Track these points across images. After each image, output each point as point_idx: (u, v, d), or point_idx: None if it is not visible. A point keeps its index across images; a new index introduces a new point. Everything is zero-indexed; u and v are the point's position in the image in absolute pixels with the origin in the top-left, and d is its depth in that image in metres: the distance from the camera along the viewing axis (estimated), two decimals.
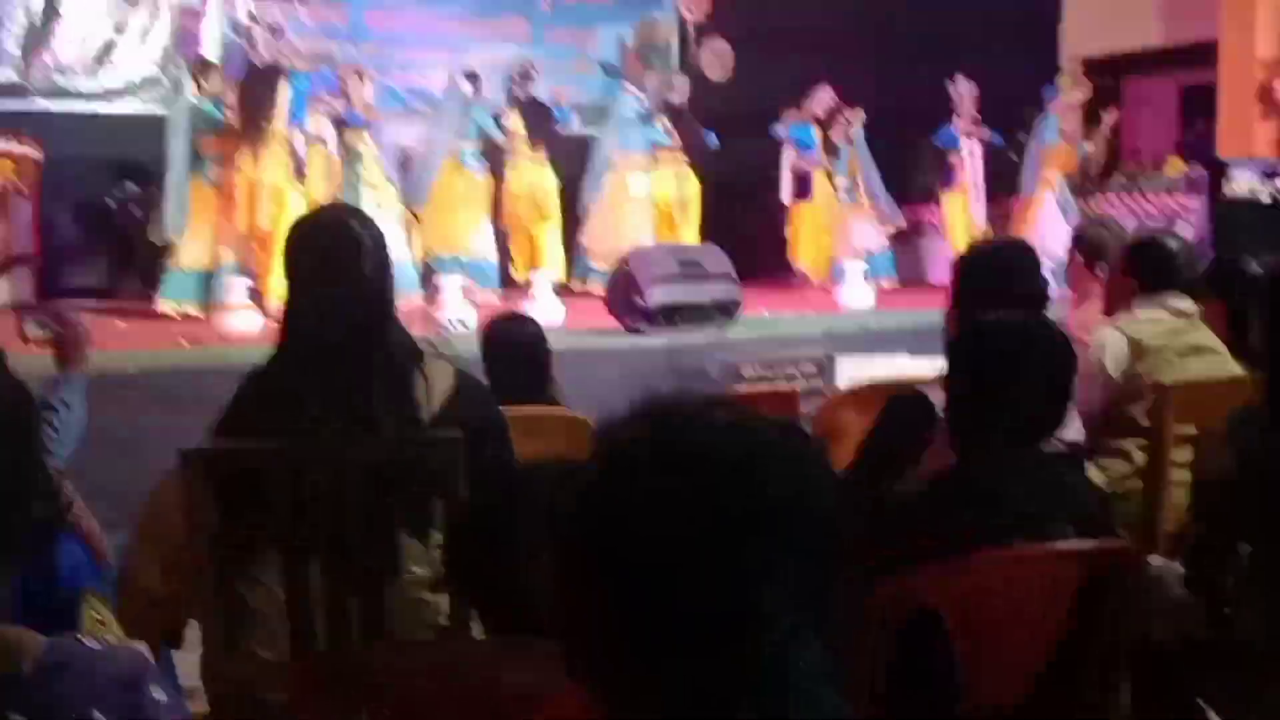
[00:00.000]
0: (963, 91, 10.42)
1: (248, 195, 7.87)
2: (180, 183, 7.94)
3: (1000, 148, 10.62)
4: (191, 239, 7.91)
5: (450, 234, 9.24)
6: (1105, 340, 3.34)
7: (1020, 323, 2.32)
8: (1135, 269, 3.56)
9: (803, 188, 10.73)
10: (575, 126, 10.09)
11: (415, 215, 9.10)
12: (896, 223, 10.82)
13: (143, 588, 2.28)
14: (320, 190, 8.06)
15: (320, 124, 8.53)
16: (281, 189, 7.83)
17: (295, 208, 7.04)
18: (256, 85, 8.16)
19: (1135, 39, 11.47)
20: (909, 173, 11.61)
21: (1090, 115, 10.34)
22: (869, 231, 10.62)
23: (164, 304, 7.83)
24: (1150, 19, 11.33)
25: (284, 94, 8.02)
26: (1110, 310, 3.65)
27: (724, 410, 1.03)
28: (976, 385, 2.22)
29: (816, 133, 10.74)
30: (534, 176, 9.73)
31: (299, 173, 8.16)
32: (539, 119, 9.81)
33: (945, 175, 10.64)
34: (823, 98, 10.75)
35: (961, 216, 10.47)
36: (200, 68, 8.16)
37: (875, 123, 11.08)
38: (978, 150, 10.53)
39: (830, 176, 10.74)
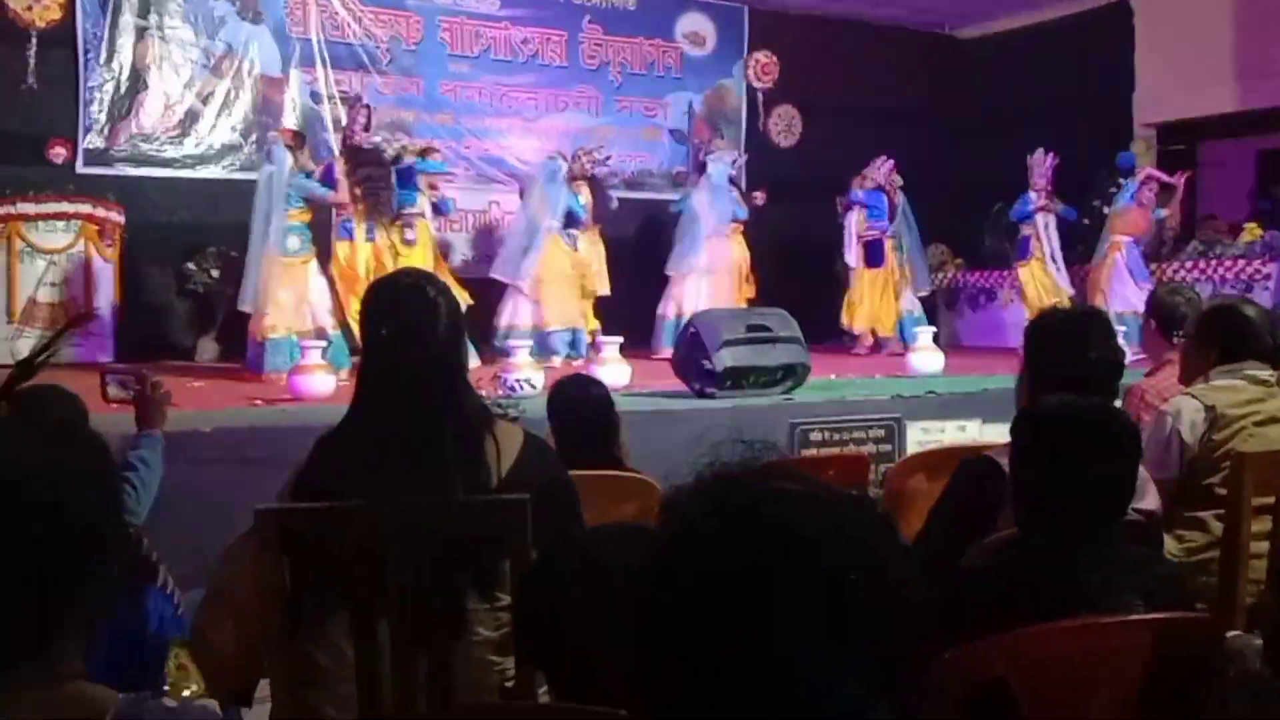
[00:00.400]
0: (1036, 164, 10.42)
1: (366, 268, 8.40)
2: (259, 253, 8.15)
3: (1072, 220, 10.56)
4: (278, 308, 8.01)
5: (565, 309, 9.59)
6: (1181, 408, 3.29)
7: (1082, 408, 2.29)
8: (1212, 336, 3.52)
9: (872, 254, 10.73)
10: (614, 205, 10.19)
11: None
12: (921, 290, 10.90)
13: (214, 646, 2.31)
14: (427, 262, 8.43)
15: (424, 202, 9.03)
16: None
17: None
18: (369, 163, 8.76)
19: (1210, 105, 11.39)
20: (981, 243, 11.58)
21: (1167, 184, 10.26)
22: (910, 296, 10.78)
23: (269, 375, 7.80)
24: (1225, 84, 11.25)
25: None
26: (1187, 378, 3.60)
27: (791, 481, 1.03)
28: (1037, 471, 2.20)
29: (886, 200, 10.76)
30: (598, 248, 9.96)
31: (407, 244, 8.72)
32: (601, 195, 9.98)
33: (1021, 247, 10.63)
34: (884, 167, 10.79)
35: (1035, 286, 10.46)
36: (294, 140, 8.40)
37: (946, 192, 11.09)
38: (1052, 222, 10.53)
39: (893, 243, 10.78)
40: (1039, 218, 10.48)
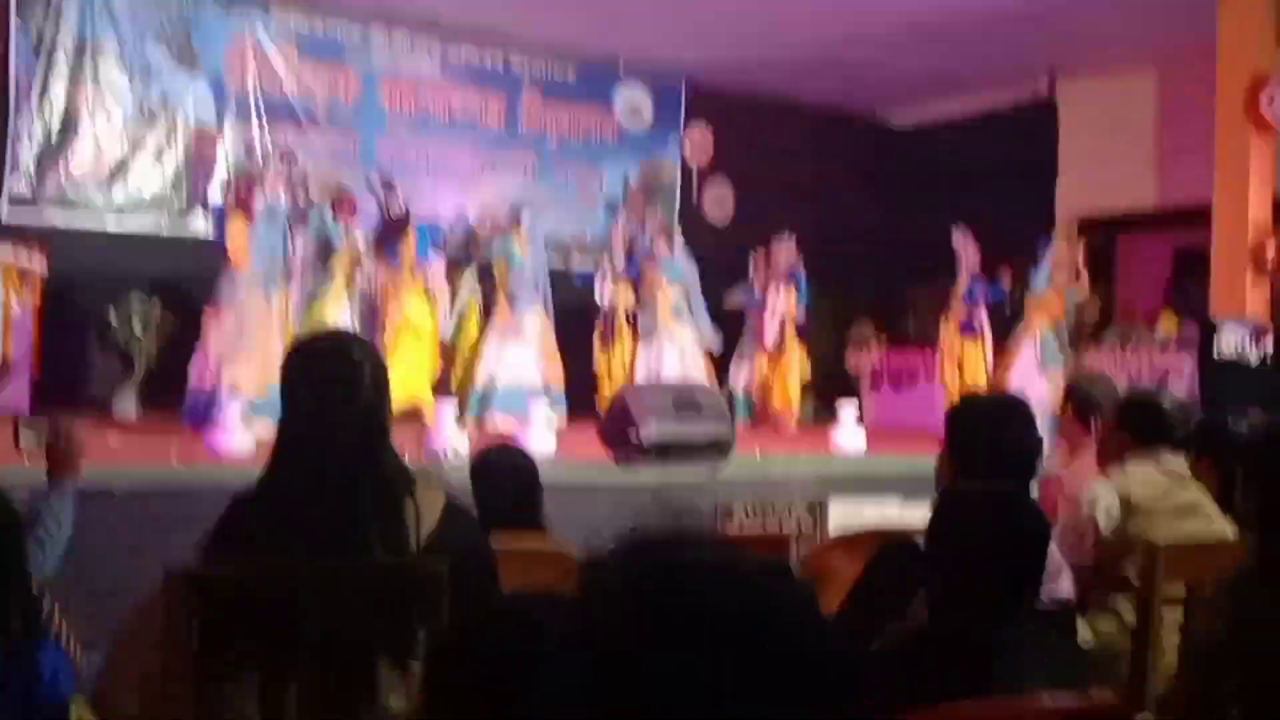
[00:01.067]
0: (965, 243, 10.66)
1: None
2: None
3: (999, 302, 10.81)
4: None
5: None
6: (1097, 495, 3.35)
7: (995, 494, 2.33)
8: (1127, 425, 3.59)
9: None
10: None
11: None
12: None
13: (117, 707, 2.24)
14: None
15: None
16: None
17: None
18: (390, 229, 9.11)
19: (1130, 200, 11.74)
20: (905, 319, 11.75)
21: (1090, 271, 10.51)
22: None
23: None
24: (1145, 181, 11.61)
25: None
26: (1103, 465, 3.66)
27: (711, 549, 1.03)
28: (950, 555, 2.23)
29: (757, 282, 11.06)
30: None
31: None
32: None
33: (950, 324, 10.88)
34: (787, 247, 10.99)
35: (951, 365, 10.70)
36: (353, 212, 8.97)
37: (874, 270, 11.28)
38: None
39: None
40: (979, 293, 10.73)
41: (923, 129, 13.76)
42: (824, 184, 12.74)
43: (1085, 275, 10.33)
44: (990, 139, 12.69)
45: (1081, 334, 10.93)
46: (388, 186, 9.49)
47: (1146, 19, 10.29)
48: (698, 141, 12.75)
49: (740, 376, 10.97)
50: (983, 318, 10.66)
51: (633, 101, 12.54)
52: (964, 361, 10.61)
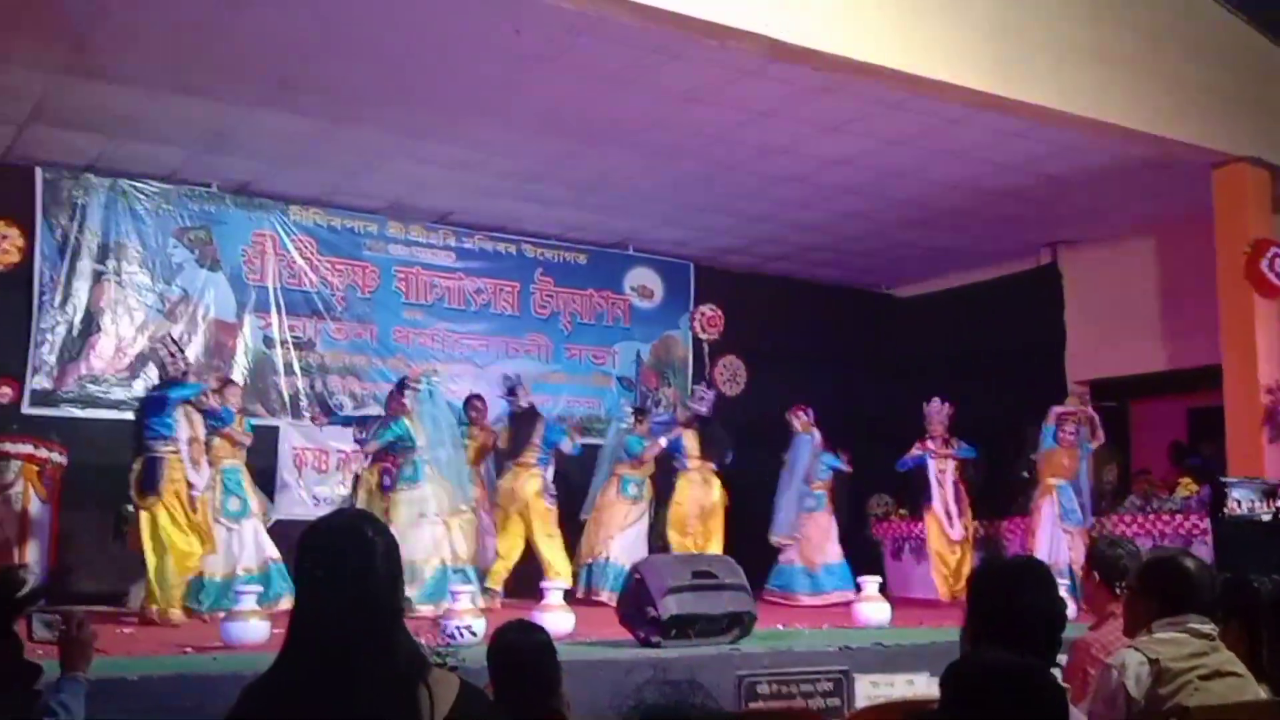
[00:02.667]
0: (933, 413, 10.78)
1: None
2: None
3: (970, 458, 10.89)
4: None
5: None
6: (1126, 662, 3.28)
7: (1007, 666, 2.27)
8: (1153, 589, 3.53)
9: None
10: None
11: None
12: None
13: None
14: None
15: None
16: None
17: None
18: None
19: (1139, 364, 11.81)
20: (908, 491, 11.74)
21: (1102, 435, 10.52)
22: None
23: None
24: (1153, 344, 11.69)
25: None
26: (1131, 631, 3.60)
27: None
28: None
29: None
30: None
31: None
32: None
33: (924, 493, 11.01)
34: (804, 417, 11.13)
35: (934, 534, 10.83)
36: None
37: (888, 441, 11.29)
38: (949, 468, 10.93)
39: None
40: (932, 464, 10.83)
41: (928, 298, 13.96)
42: (833, 356, 12.88)
43: (1099, 426, 10.35)
44: (996, 307, 12.87)
45: (1102, 492, 10.89)
46: (514, 386, 10.35)
47: (1143, 191, 10.55)
48: (707, 318, 12.97)
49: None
50: (950, 484, 10.86)
51: (643, 282, 12.80)
52: (936, 530, 10.75)
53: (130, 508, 8.36)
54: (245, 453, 9.09)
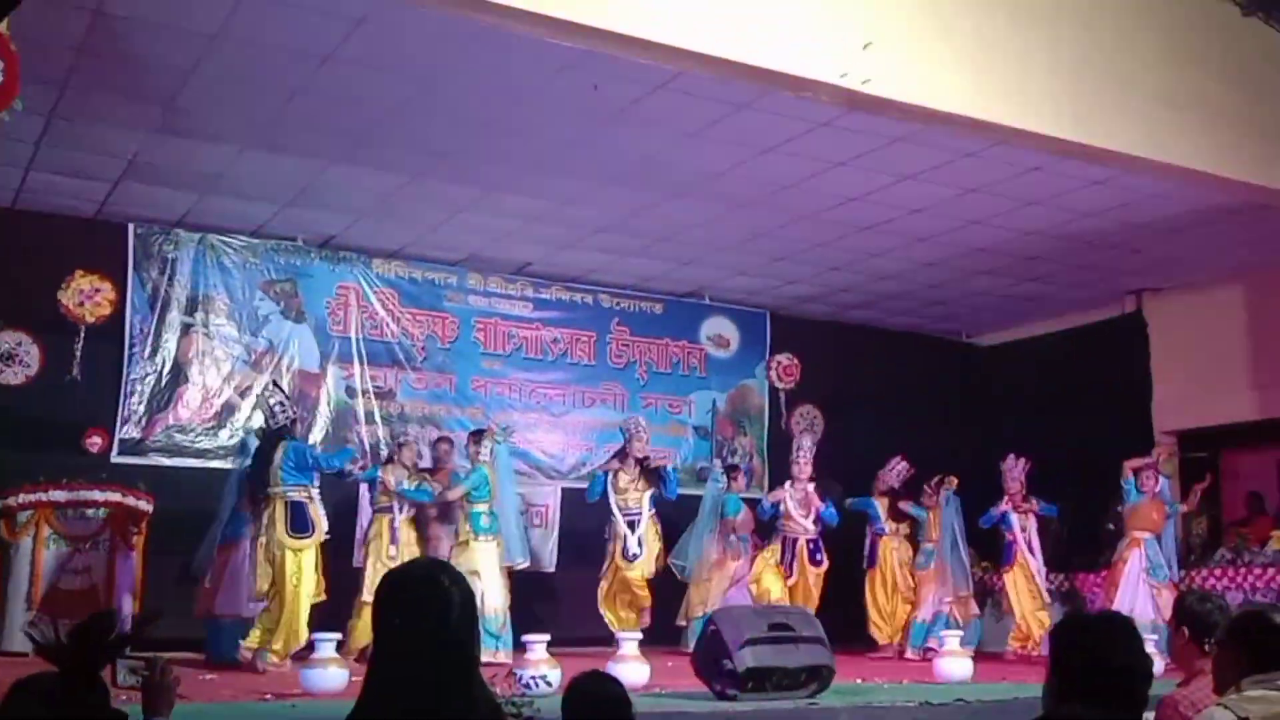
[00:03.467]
0: (1008, 469, 10.60)
1: None
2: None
3: (1053, 516, 10.68)
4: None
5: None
6: (1213, 719, 3.18)
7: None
8: (1242, 645, 3.44)
9: (870, 556, 11.25)
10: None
11: None
12: (959, 591, 10.75)
13: None
14: None
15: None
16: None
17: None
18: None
19: (1229, 413, 11.53)
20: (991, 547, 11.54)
21: (1190, 488, 10.31)
22: (932, 598, 10.86)
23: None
24: (1243, 393, 11.43)
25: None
26: (1220, 688, 3.50)
27: None
28: None
29: (880, 503, 11.20)
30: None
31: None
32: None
33: (1005, 553, 10.82)
34: (898, 469, 11.07)
35: (1016, 592, 10.63)
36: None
37: (968, 494, 11.13)
38: (1032, 526, 10.73)
39: (905, 543, 11.24)
40: (1016, 521, 10.64)
41: (1008, 346, 13.78)
42: (912, 404, 12.73)
43: (1177, 483, 10.13)
44: (1080, 355, 12.67)
45: (1190, 548, 10.64)
46: (635, 431, 10.56)
47: (1230, 237, 10.36)
48: (784, 367, 12.92)
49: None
50: (1035, 540, 10.62)
51: (719, 331, 12.81)
52: (1022, 586, 10.51)
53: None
54: None
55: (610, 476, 10.47)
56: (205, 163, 8.98)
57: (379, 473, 9.35)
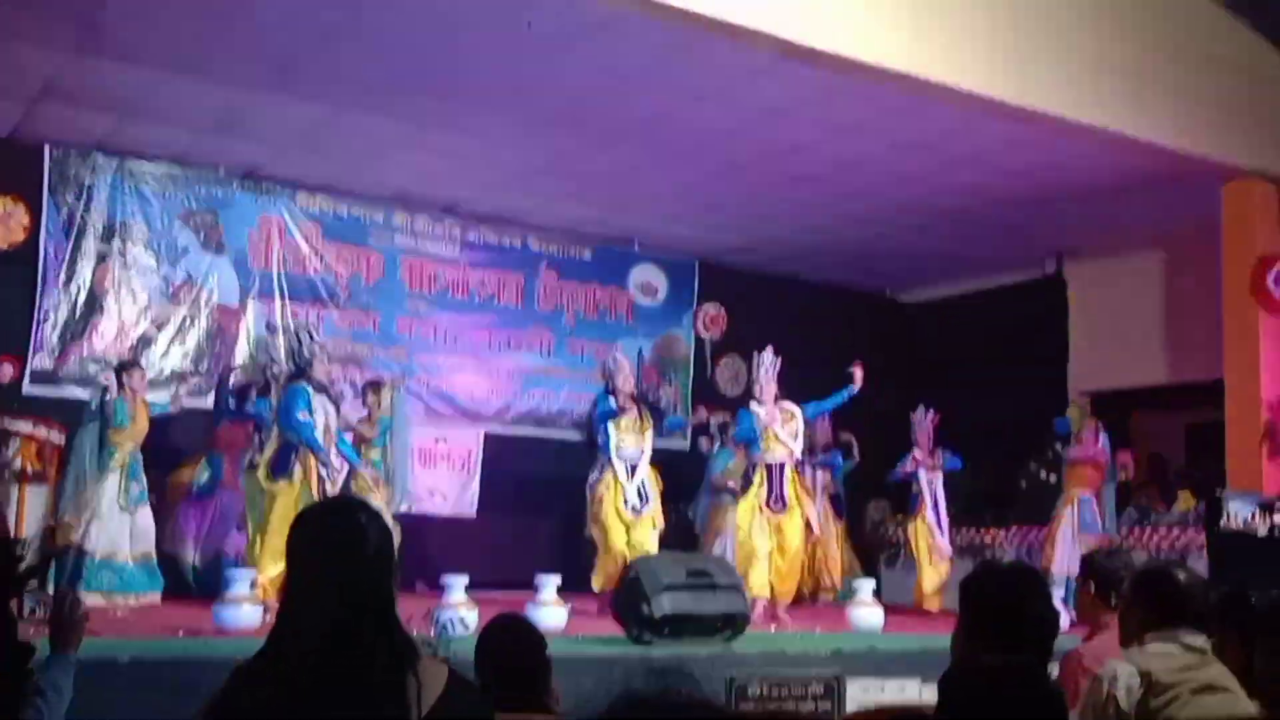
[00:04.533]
0: (917, 422, 10.73)
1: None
2: None
3: (958, 469, 10.81)
4: None
5: None
6: (1117, 673, 3.26)
7: (1006, 668, 2.26)
8: (1144, 601, 3.53)
9: None
10: None
11: None
12: None
13: None
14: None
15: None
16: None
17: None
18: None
19: (1141, 377, 11.80)
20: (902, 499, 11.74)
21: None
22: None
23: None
24: (1155, 358, 11.69)
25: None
26: (1124, 643, 3.59)
27: (701, 711, 1.01)
28: None
29: None
30: None
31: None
32: None
33: (910, 504, 10.96)
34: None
35: (921, 543, 10.74)
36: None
37: (889, 448, 11.28)
38: (938, 479, 10.85)
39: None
40: (923, 475, 10.77)
41: (932, 304, 13.95)
42: (835, 360, 12.82)
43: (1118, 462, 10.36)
44: (1001, 315, 12.86)
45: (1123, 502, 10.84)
46: (618, 367, 9.47)
47: (1152, 203, 10.53)
48: (710, 317, 12.95)
49: None
50: (940, 494, 10.80)
51: (647, 279, 12.79)
52: (924, 537, 10.69)
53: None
54: None
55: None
56: (125, 85, 8.72)
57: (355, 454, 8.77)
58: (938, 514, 10.73)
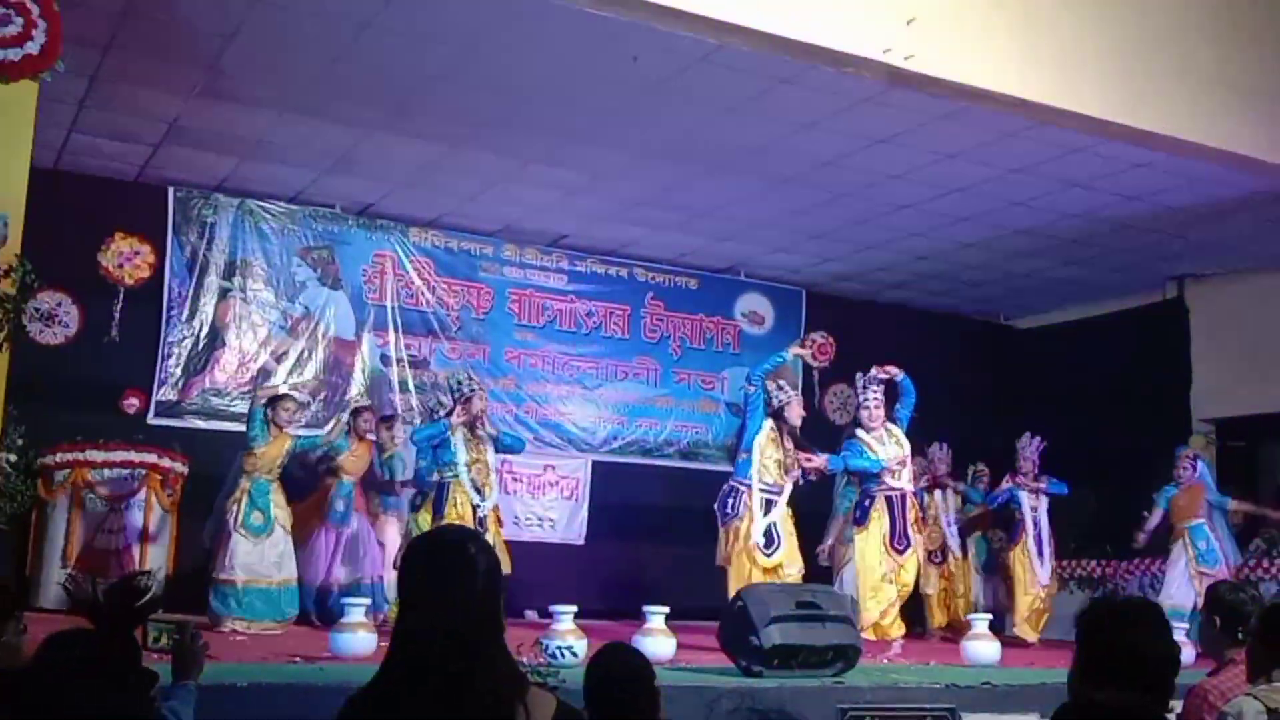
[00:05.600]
0: (1022, 448, 10.45)
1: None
2: None
3: (1063, 494, 10.47)
4: None
5: None
6: (1243, 710, 3.16)
7: (1115, 710, 2.19)
8: (1271, 636, 3.41)
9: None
10: None
11: None
12: None
13: None
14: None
15: None
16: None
17: None
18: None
19: (1268, 403, 11.39)
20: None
21: (1229, 476, 10.18)
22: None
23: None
24: None
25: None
26: (1251, 678, 3.47)
27: None
28: None
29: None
30: None
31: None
32: None
33: (1013, 532, 10.61)
34: (941, 455, 10.95)
35: (1021, 571, 10.36)
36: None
37: (1004, 471, 11.05)
38: (1042, 506, 10.45)
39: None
40: (1025, 500, 10.40)
41: (1048, 330, 13.66)
42: (948, 387, 12.64)
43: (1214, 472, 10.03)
44: (1119, 341, 12.54)
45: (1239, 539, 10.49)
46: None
47: (1275, 226, 10.19)
48: (819, 346, 12.84)
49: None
50: (1043, 521, 10.40)
51: (754, 308, 12.76)
52: (1024, 565, 10.33)
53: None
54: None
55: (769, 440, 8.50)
56: (245, 128, 9.02)
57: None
58: (1039, 542, 10.37)
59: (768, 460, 8.44)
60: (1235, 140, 8.26)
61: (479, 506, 8.38)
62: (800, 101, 8.14)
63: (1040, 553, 10.31)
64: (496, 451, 8.78)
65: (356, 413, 9.67)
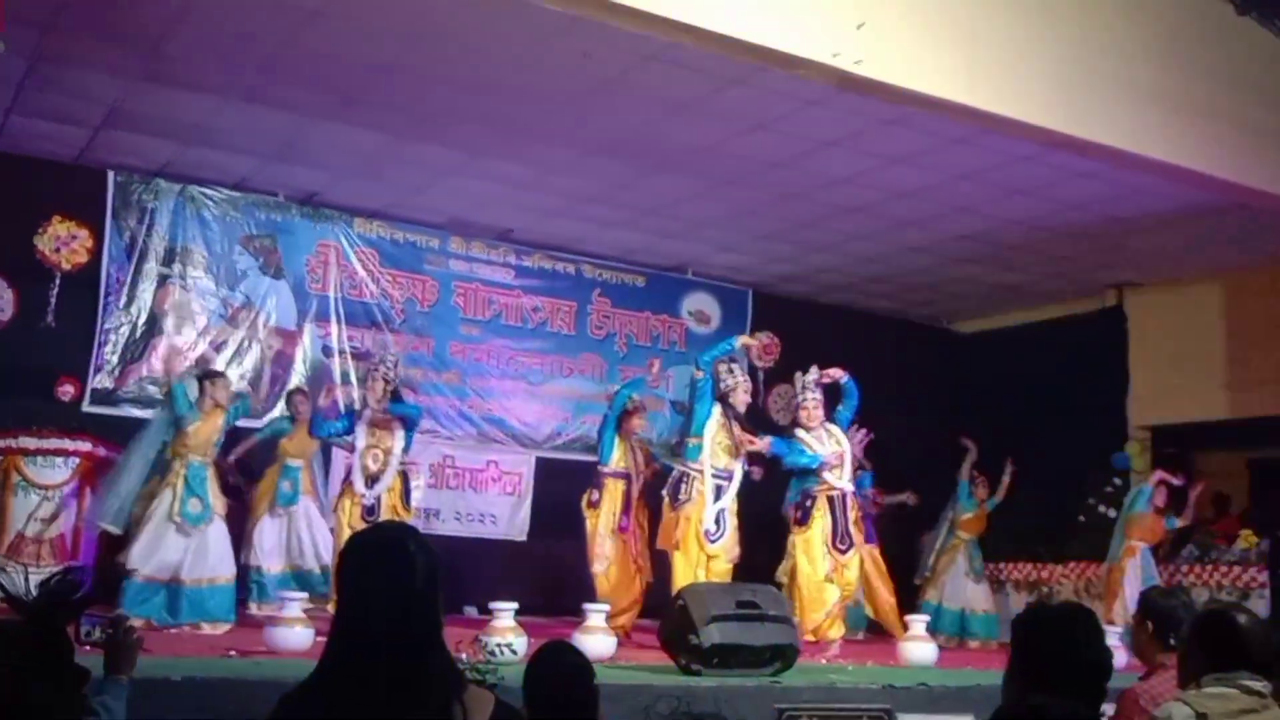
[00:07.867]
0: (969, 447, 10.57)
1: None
2: None
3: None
4: None
5: None
6: (1172, 715, 3.20)
7: (1052, 714, 2.22)
8: (1205, 643, 3.46)
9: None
10: None
11: None
12: None
13: None
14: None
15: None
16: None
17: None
18: None
19: (1202, 411, 11.59)
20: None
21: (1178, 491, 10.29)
22: None
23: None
24: (1217, 393, 11.49)
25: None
26: (1182, 684, 3.52)
27: None
28: None
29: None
30: None
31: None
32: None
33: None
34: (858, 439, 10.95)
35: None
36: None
37: (944, 480, 11.16)
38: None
39: None
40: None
41: (989, 335, 13.81)
42: (889, 390, 12.74)
43: (1191, 497, 10.14)
44: (1059, 346, 12.70)
45: (1159, 545, 10.68)
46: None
47: (1214, 236, 10.39)
48: (764, 345, 12.89)
49: None
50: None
51: (700, 307, 12.79)
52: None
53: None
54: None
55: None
56: (188, 113, 8.88)
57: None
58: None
59: (717, 446, 8.39)
60: (1175, 153, 8.38)
61: (364, 495, 8.21)
62: (750, 102, 8.17)
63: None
64: (404, 427, 8.55)
65: (290, 396, 9.70)
